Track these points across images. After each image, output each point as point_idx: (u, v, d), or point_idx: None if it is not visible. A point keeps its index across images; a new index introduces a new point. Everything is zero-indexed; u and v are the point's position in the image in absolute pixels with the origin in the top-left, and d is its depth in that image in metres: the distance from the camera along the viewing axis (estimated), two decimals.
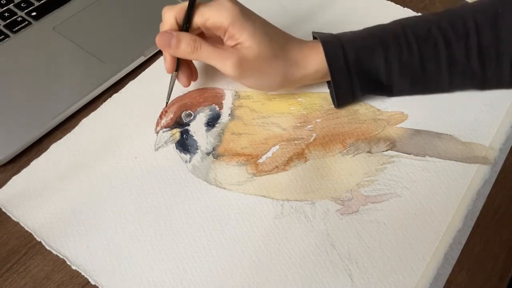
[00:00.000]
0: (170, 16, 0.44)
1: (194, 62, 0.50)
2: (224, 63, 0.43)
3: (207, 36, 0.47)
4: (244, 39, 0.43)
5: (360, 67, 0.45)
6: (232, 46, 0.44)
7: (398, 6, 0.59)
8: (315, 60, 0.46)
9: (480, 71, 0.46)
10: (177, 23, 0.44)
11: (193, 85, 0.51)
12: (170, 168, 0.45)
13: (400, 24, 0.47)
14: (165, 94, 0.49)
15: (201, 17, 0.44)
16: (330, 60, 0.45)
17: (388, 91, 0.48)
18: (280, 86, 0.47)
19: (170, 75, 0.47)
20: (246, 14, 0.44)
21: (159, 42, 0.44)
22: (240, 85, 0.51)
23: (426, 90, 0.49)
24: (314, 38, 0.49)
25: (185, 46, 0.43)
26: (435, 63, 0.46)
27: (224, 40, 0.44)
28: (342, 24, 0.55)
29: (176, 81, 0.48)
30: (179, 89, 0.51)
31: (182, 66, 0.48)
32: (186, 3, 0.44)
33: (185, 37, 0.43)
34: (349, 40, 0.46)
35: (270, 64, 0.44)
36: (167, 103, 0.49)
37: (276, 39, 0.45)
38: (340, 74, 0.45)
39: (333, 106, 0.49)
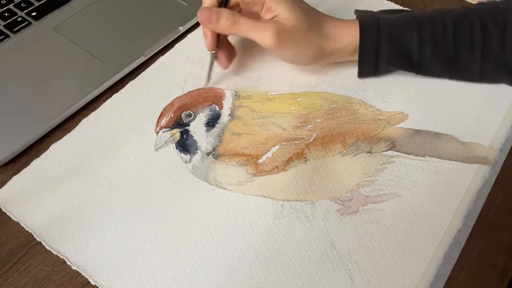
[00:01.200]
0: None
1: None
2: (263, 34, 0.45)
3: (243, 14, 0.48)
4: (281, 11, 0.45)
5: (392, 40, 0.47)
6: (269, 19, 0.46)
7: (398, 6, 0.59)
8: (347, 34, 0.48)
9: None
10: None
11: (194, 85, 0.51)
12: (170, 168, 0.45)
13: (438, 10, 0.49)
14: (165, 94, 0.49)
15: None
16: (363, 28, 0.47)
17: (417, 68, 0.49)
18: (314, 58, 0.49)
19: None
20: None
21: (201, 17, 0.46)
22: (240, 85, 0.51)
23: (456, 75, 0.49)
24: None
25: (225, 21, 0.45)
26: (469, 46, 0.46)
27: (262, 13, 0.47)
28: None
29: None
30: (179, 90, 0.51)
31: (221, 45, 0.49)
32: None
33: (224, 12, 0.45)
34: (385, 16, 0.48)
35: (306, 35, 0.46)
36: (206, 84, 0.50)
37: (311, 13, 0.47)
38: (369, 41, 0.47)
39: (333, 106, 0.49)
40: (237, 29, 0.45)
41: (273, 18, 0.46)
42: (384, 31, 0.47)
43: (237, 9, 0.48)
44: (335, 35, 0.48)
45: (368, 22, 0.47)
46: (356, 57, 0.49)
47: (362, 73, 0.50)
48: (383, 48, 0.47)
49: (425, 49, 0.47)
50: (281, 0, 0.45)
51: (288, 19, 0.45)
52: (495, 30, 0.46)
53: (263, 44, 0.46)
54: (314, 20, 0.47)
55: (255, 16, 0.47)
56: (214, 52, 0.49)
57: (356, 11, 0.50)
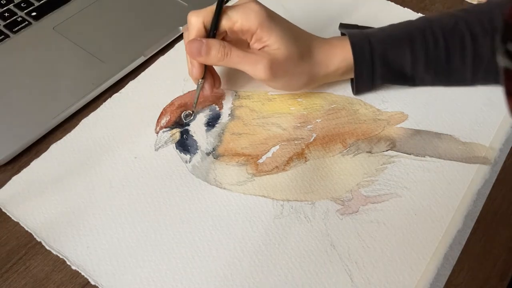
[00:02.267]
0: (198, 21, 0.44)
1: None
2: (256, 67, 0.43)
3: (228, 40, 0.47)
4: (273, 42, 0.43)
5: (385, 59, 0.46)
6: (259, 49, 0.44)
7: (398, 6, 0.59)
8: (337, 58, 0.47)
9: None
10: (204, 27, 0.44)
11: (194, 85, 0.51)
12: (170, 168, 0.45)
13: (426, 19, 0.48)
14: (165, 94, 0.49)
15: (228, 21, 0.43)
16: (356, 51, 0.46)
17: (411, 82, 0.49)
18: (305, 85, 0.48)
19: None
20: (273, 17, 0.44)
21: (190, 50, 0.43)
22: (240, 85, 0.51)
23: (448, 83, 0.50)
24: (342, 34, 0.50)
25: (215, 53, 0.43)
26: (460, 57, 0.46)
27: (251, 43, 0.45)
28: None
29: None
30: (179, 90, 0.51)
31: (207, 73, 0.47)
32: (211, 8, 0.44)
33: (215, 44, 0.43)
34: (375, 33, 0.47)
35: (297, 64, 0.45)
36: (193, 111, 0.48)
37: (302, 40, 0.46)
38: (364, 65, 0.47)
39: (333, 106, 0.49)
40: (228, 61, 0.43)
41: (263, 47, 0.44)
42: (377, 51, 0.46)
43: (221, 37, 0.46)
44: (325, 61, 0.46)
45: (360, 44, 0.46)
46: (346, 77, 0.49)
47: (359, 92, 0.50)
48: (378, 69, 0.47)
49: (419, 65, 0.47)
50: (272, 30, 0.43)
51: (280, 49, 0.44)
52: (484, 39, 0.46)
53: (255, 76, 0.44)
54: (305, 47, 0.46)
55: (242, 44, 0.45)
56: (200, 80, 0.46)
57: (342, 28, 0.49)
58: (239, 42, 0.46)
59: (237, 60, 0.43)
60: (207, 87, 0.47)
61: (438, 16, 0.48)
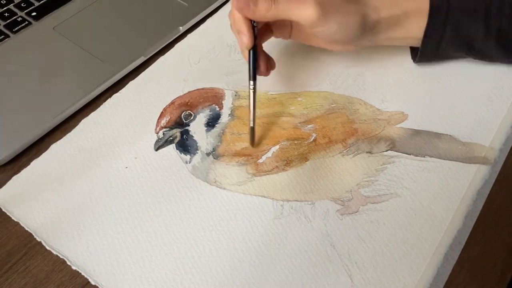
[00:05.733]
0: None
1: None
2: (304, 7, 0.41)
3: None
4: None
5: (458, 28, 0.45)
6: None
7: None
8: (387, 2, 0.45)
9: None
10: None
11: (194, 85, 0.51)
12: (170, 168, 0.45)
13: None
14: (165, 94, 0.49)
15: None
16: (432, 9, 0.44)
17: (477, 55, 0.48)
18: (360, 31, 0.45)
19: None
20: None
21: (238, 3, 0.42)
22: (240, 85, 0.51)
23: None
24: None
25: (263, 2, 0.41)
26: None
27: None
28: None
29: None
30: (179, 90, 0.51)
31: (259, 56, 0.45)
32: None
33: None
34: None
35: (347, 2, 0.43)
36: (252, 127, 0.45)
37: None
38: (435, 28, 0.45)
39: (333, 105, 0.49)
40: (276, 9, 0.41)
41: None
42: (451, 17, 0.45)
43: None
44: (375, 4, 0.44)
45: (438, 4, 0.45)
46: (396, 35, 0.47)
47: (422, 57, 0.48)
48: (448, 36, 0.46)
49: (490, 40, 0.46)
50: None
51: None
52: None
53: (306, 20, 0.42)
54: None
55: None
56: (253, 83, 0.44)
57: None
58: None
59: (285, 6, 0.42)
60: (262, 65, 0.45)
61: None
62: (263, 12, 0.42)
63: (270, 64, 0.47)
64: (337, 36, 0.45)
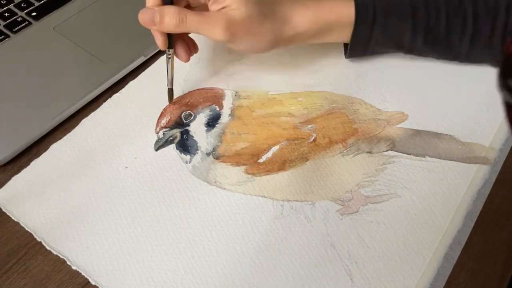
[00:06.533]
0: None
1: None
2: (213, 29, 0.42)
3: (194, 7, 0.46)
4: (230, 1, 0.42)
5: (386, 28, 0.46)
6: (218, 10, 0.43)
7: None
8: (307, 19, 0.45)
9: (500, 49, 0.46)
10: None
11: (194, 85, 0.51)
12: (170, 168, 0.45)
13: None
14: (165, 94, 0.48)
15: None
16: (359, 10, 0.45)
17: (406, 51, 0.49)
18: (272, 46, 0.46)
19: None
20: None
21: (142, 20, 0.42)
22: (240, 85, 0.51)
23: (444, 56, 0.50)
24: None
25: (169, 19, 0.42)
26: (460, 34, 0.46)
27: (209, 4, 0.43)
28: None
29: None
30: (179, 90, 0.51)
31: (177, 40, 0.46)
32: None
33: (168, 10, 0.42)
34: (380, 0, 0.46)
35: (260, 24, 0.43)
36: (170, 89, 0.47)
37: None
38: (364, 27, 0.46)
39: (333, 105, 0.49)
40: (185, 26, 0.42)
41: (222, 8, 0.42)
42: (378, 18, 0.46)
43: (183, 4, 0.45)
44: (293, 20, 0.45)
45: (365, 5, 0.45)
46: (319, 41, 0.47)
47: (351, 56, 0.50)
48: (376, 34, 0.46)
49: (417, 37, 0.47)
50: None
51: (238, 9, 0.42)
52: (486, 18, 0.46)
53: (213, 39, 0.43)
54: (268, 6, 0.44)
55: (203, 9, 0.44)
56: (169, 50, 0.45)
57: None
58: (202, 9, 0.45)
59: (194, 25, 0.42)
60: (182, 54, 0.46)
61: None
62: (171, 28, 0.42)
63: (190, 50, 0.47)
64: (249, 51, 0.47)
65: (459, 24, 0.46)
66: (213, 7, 0.43)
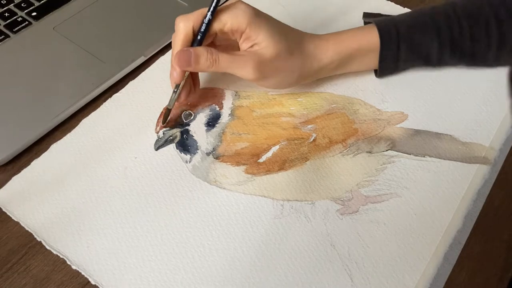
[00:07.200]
0: (187, 26, 0.43)
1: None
2: (244, 68, 0.43)
3: (218, 44, 0.47)
4: (261, 39, 0.43)
5: (412, 46, 0.46)
6: (247, 49, 0.44)
7: (398, 6, 0.59)
8: (329, 52, 0.47)
9: None
10: (193, 32, 0.44)
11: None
12: (170, 168, 0.45)
13: (450, 4, 0.48)
14: (165, 94, 0.48)
15: (219, 23, 0.43)
16: (382, 35, 0.46)
17: (435, 66, 0.49)
18: (298, 81, 0.48)
19: (173, 81, 0.46)
20: (260, 15, 0.44)
21: (179, 61, 0.43)
22: (240, 85, 0.51)
23: (472, 64, 0.50)
24: (365, 23, 0.49)
25: (204, 61, 0.43)
26: (486, 43, 0.46)
27: (240, 42, 0.45)
28: (342, 23, 0.55)
29: None
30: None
31: (186, 79, 0.46)
32: (201, 11, 0.43)
33: (203, 52, 0.43)
34: (401, 18, 0.47)
35: (287, 61, 0.45)
36: (170, 109, 0.47)
37: (290, 36, 0.46)
38: (390, 48, 0.46)
39: (333, 106, 0.49)
40: (217, 66, 0.43)
41: (252, 46, 0.44)
42: (403, 38, 0.46)
43: (210, 40, 0.46)
44: (317, 55, 0.46)
45: (387, 29, 0.46)
46: (341, 71, 0.49)
47: (382, 76, 0.50)
48: (403, 54, 0.47)
49: (445, 51, 0.47)
50: (261, 28, 0.43)
51: (268, 47, 0.44)
52: (509, 22, 0.45)
53: (244, 77, 0.44)
54: (294, 43, 0.46)
55: (229, 46, 0.45)
56: (179, 85, 0.45)
57: (366, 17, 0.49)
58: (229, 44, 0.46)
59: (226, 65, 0.43)
60: (182, 94, 0.47)
61: (460, 1, 0.48)
62: (204, 69, 0.44)
63: (194, 90, 0.48)
64: (277, 87, 0.49)
65: (483, 30, 0.46)
66: (243, 45, 0.45)
